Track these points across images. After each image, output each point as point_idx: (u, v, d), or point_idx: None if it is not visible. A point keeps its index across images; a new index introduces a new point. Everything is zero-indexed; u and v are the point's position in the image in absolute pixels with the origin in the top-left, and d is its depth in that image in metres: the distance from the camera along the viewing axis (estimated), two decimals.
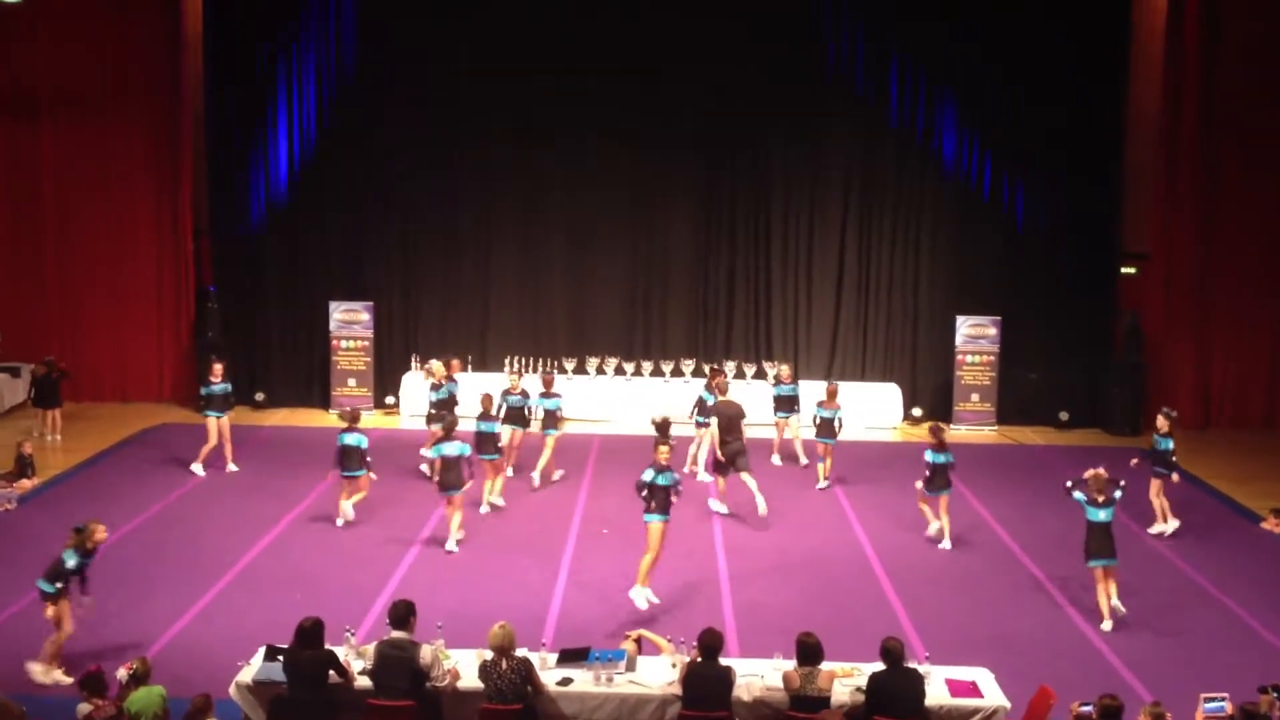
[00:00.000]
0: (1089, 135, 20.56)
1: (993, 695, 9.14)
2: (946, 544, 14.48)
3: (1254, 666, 10.74)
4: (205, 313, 20.88)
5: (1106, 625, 11.98)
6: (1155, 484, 15.07)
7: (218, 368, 16.94)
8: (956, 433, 20.55)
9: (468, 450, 14.27)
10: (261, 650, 9.45)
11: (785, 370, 18.20)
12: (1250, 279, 20.98)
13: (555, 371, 19.42)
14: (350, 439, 14.91)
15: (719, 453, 15.56)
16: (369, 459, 15.07)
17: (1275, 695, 8.68)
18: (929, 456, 14.44)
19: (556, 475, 16.92)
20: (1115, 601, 12.05)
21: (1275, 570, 14.01)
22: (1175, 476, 14.99)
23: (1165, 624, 12.22)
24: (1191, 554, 14.36)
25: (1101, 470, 12.41)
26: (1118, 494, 12.37)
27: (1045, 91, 20.34)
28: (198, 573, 12.99)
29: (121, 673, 8.79)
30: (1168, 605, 12.75)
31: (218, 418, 16.82)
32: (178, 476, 16.70)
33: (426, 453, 15.22)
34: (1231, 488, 17.38)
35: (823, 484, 16.90)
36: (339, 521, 14.80)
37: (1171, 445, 14.99)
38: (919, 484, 14.60)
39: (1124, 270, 21.09)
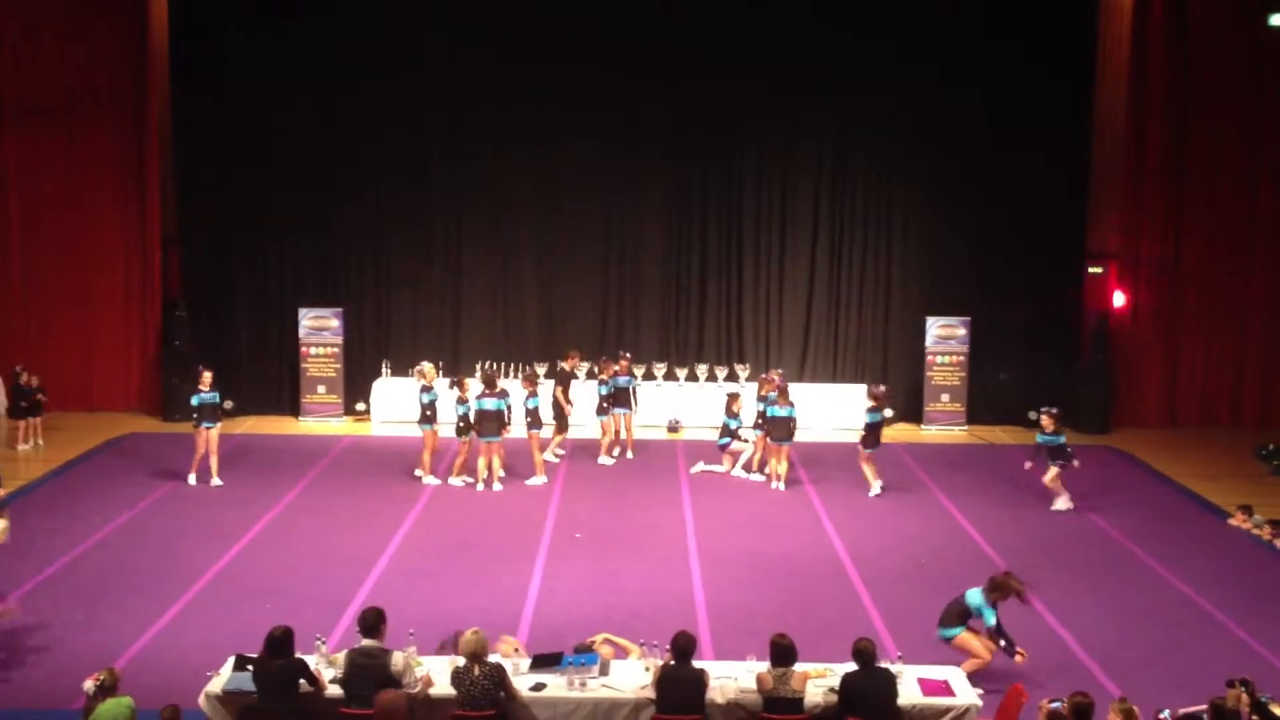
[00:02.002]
0: (1057, 138, 20.69)
1: (964, 694, 9.16)
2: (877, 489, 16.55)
3: (1222, 661, 10.80)
4: (173, 321, 20.72)
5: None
6: (1052, 471, 16.06)
7: (207, 376, 16.61)
8: (928, 433, 20.67)
9: (503, 405, 16.36)
10: (231, 660, 9.37)
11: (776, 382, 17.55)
12: (1216, 278, 21.17)
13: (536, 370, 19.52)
14: (489, 403, 16.27)
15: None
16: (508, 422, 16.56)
17: (1244, 689, 8.73)
18: (867, 417, 16.56)
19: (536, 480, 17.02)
20: None
21: (1242, 566, 14.13)
22: (1076, 463, 16.12)
23: (1134, 621, 12.30)
24: (1160, 551, 14.45)
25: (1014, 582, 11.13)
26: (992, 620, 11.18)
27: (1013, 96, 20.48)
28: (166, 583, 12.88)
29: (89, 684, 8.68)
30: (1136, 602, 12.83)
31: (209, 428, 16.63)
32: (146, 486, 16.57)
33: (461, 410, 16.67)
34: (1199, 485, 17.51)
35: (778, 485, 16.92)
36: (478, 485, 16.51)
37: (1063, 439, 16.05)
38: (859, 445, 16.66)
39: (1091, 270, 21.24)
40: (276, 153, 20.77)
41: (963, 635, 10.63)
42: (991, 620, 10.53)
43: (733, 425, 17.52)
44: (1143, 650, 11.52)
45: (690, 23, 20.50)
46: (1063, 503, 16.09)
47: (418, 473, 17.06)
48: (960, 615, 10.67)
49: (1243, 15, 20.32)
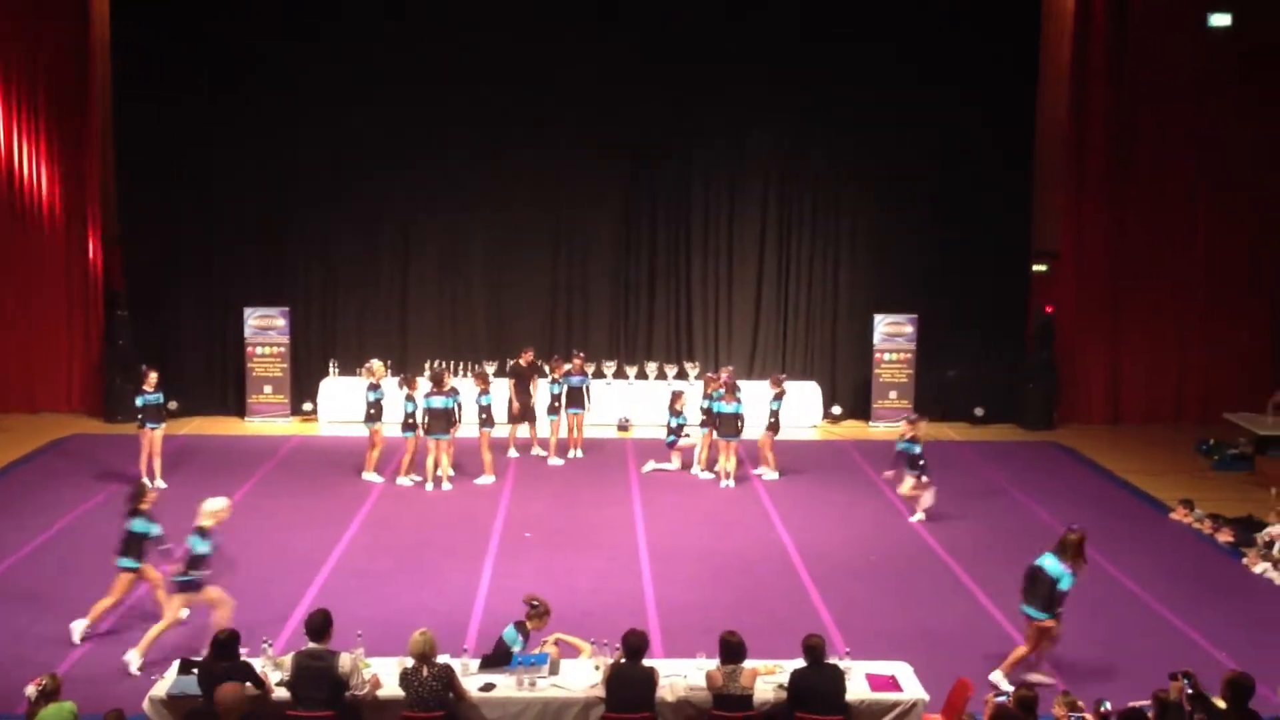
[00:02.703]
0: (1002, 135, 20.93)
1: (912, 689, 9.24)
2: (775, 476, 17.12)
3: (1165, 654, 10.96)
4: (115, 321, 20.44)
5: None
6: (908, 482, 15.47)
7: (152, 376, 16.38)
8: (876, 430, 20.80)
9: (452, 404, 16.36)
10: (176, 664, 9.28)
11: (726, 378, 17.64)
12: (1159, 275, 21.47)
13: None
14: (438, 402, 16.27)
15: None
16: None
17: (1186, 682, 8.86)
18: (773, 404, 17.24)
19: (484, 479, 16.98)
20: None
21: (1184, 560, 14.34)
22: (924, 479, 15.39)
23: (1078, 614, 12.40)
24: (1103, 545, 14.58)
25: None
26: None
27: (958, 93, 20.65)
28: (109, 586, 12.69)
29: (30, 689, 8.55)
30: (1080, 596, 12.94)
31: (153, 429, 16.40)
32: (89, 488, 16.34)
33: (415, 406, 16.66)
34: (1142, 480, 17.75)
35: (727, 483, 16.99)
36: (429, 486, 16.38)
37: (918, 449, 15.37)
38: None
39: (1035, 268, 21.48)
40: (220, 153, 20.56)
41: (1053, 620, 10.50)
42: (1068, 585, 10.48)
43: (675, 423, 17.57)
44: (1087, 643, 11.65)
45: (640, 24, 20.53)
46: (920, 515, 15.51)
47: (366, 474, 16.95)
48: (1052, 595, 10.46)
49: (1182, 16, 20.62)
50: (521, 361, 18.59)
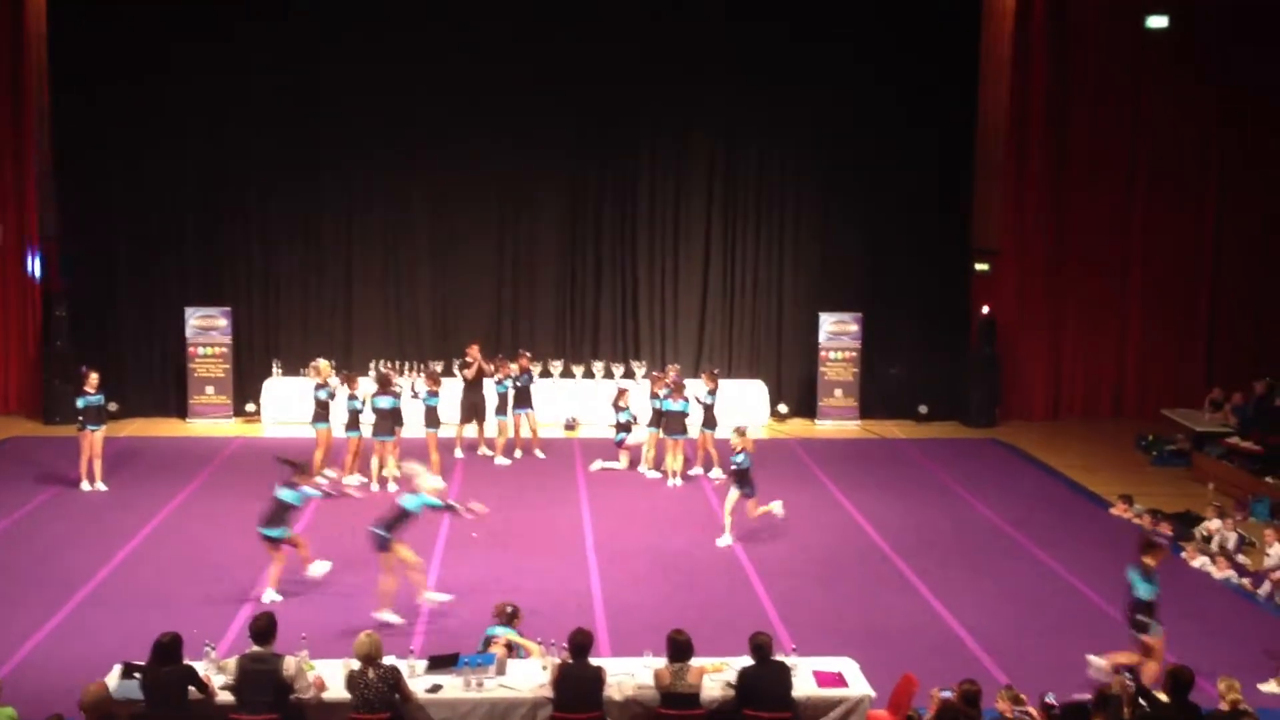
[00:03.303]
0: (943, 135, 21.13)
1: (857, 685, 9.29)
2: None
3: (1106, 647, 11.08)
4: (53, 321, 20.11)
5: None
6: (733, 496, 14.44)
7: (93, 377, 16.13)
8: (822, 427, 20.94)
9: (398, 404, 16.38)
10: (117, 668, 9.14)
11: (673, 376, 17.67)
12: (1098, 273, 21.77)
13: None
14: (384, 402, 16.28)
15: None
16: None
17: (1128, 676, 8.99)
18: (708, 399, 17.04)
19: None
20: None
21: (1124, 555, 14.45)
22: (749, 491, 14.40)
23: (1021, 610, 12.58)
24: (1044, 540, 14.80)
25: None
26: None
27: (899, 92, 20.84)
28: (50, 590, 12.52)
29: None
30: (1023, 591, 13.14)
31: (94, 431, 16.14)
32: (26, 491, 16.07)
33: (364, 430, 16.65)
34: (1081, 476, 17.99)
35: (674, 482, 17.02)
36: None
37: (743, 460, 14.28)
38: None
39: (977, 267, 21.70)
40: (160, 150, 20.29)
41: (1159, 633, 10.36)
42: (1147, 595, 10.33)
43: (621, 419, 17.59)
44: (1029, 638, 11.79)
45: (588, 19, 20.51)
46: (726, 539, 14.43)
47: (327, 473, 16.76)
48: (1136, 606, 10.33)
49: (1120, 16, 20.91)
50: (468, 359, 18.45)
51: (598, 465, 17.72)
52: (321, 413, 16.75)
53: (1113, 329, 22.00)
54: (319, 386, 16.79)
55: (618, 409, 17.71)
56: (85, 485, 16.17)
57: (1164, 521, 15.33)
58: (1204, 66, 21.20)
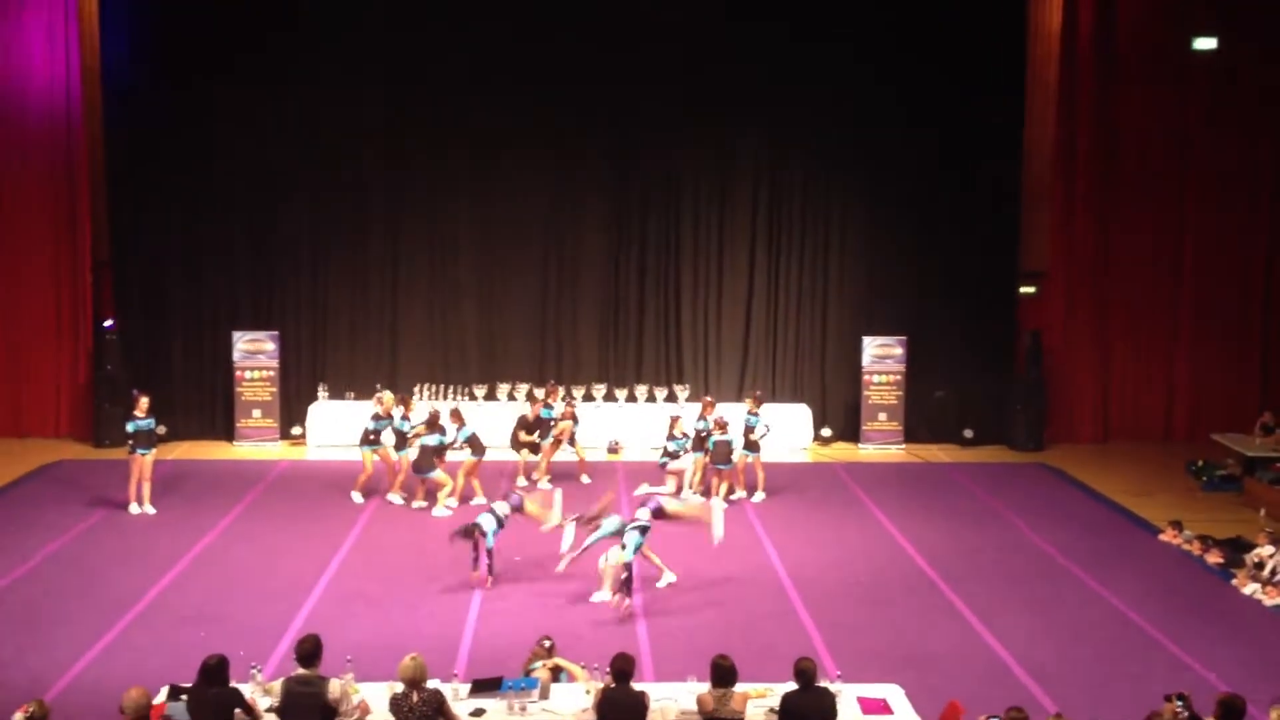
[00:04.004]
0: (989, 157, 21.01)
1: (903, 712, 9.22)
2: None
3: (1157, 676, 10.97)
4: (104, 345, 20.39)
5: None
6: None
7: (144, 401, 16.30)
8: (865, 452, 20.82)
9: (444, 439, 16.60)
10: (165, 690, 9.22)
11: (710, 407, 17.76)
12: (1146, 295, 21.55)
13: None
14: (431, 440, 16.49)
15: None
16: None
17: (1179, 704, 8.86)
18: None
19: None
20: None
21: (1174, 581, 14.34)
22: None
23: (1069, 636, 12.44)
24: (1092, 566, 14.64)
25: None
26: None
27: (945, 114, 20.76)
28: (98, 611, 12.66)
29: (18, 716, 8.49)
30: (1071, 618, 12.99)
31: (144, 454, 16.28)
32: (76, 513, 16.26)
33: (410, 450, 16.90)
34: (1131, 501, 17.77)
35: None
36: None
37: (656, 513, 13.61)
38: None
39: (1024, 290, 21.55)
40: (211, 175, 20.51)
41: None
42: None
43: (673, 448, 17.56)
44: (1078, 666, 11.65)
45: (631, 42, 20.57)
46: (605, 595, 13.14)
47: (392, 496, 17.01)
48: None
49: (1168, 37, 20.75)
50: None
51: (643, 489, 17.69)
52: (373, 438, 16.93)
53: (1162, 352, 21.77)
54: (376, 417, 16.97)
55: (671, 436, 17.66)
56: (134, 508, 16.34)
57: (1214, 548, 15.13)
58: (1253, 84, 20.97)
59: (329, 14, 20.38)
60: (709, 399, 18.15)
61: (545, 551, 14.75)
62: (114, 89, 20.35)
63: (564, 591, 13.45)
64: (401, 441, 16.98)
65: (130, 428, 16.24)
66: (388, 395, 17.45)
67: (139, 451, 16.23)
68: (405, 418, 16.98)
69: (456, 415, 17.26)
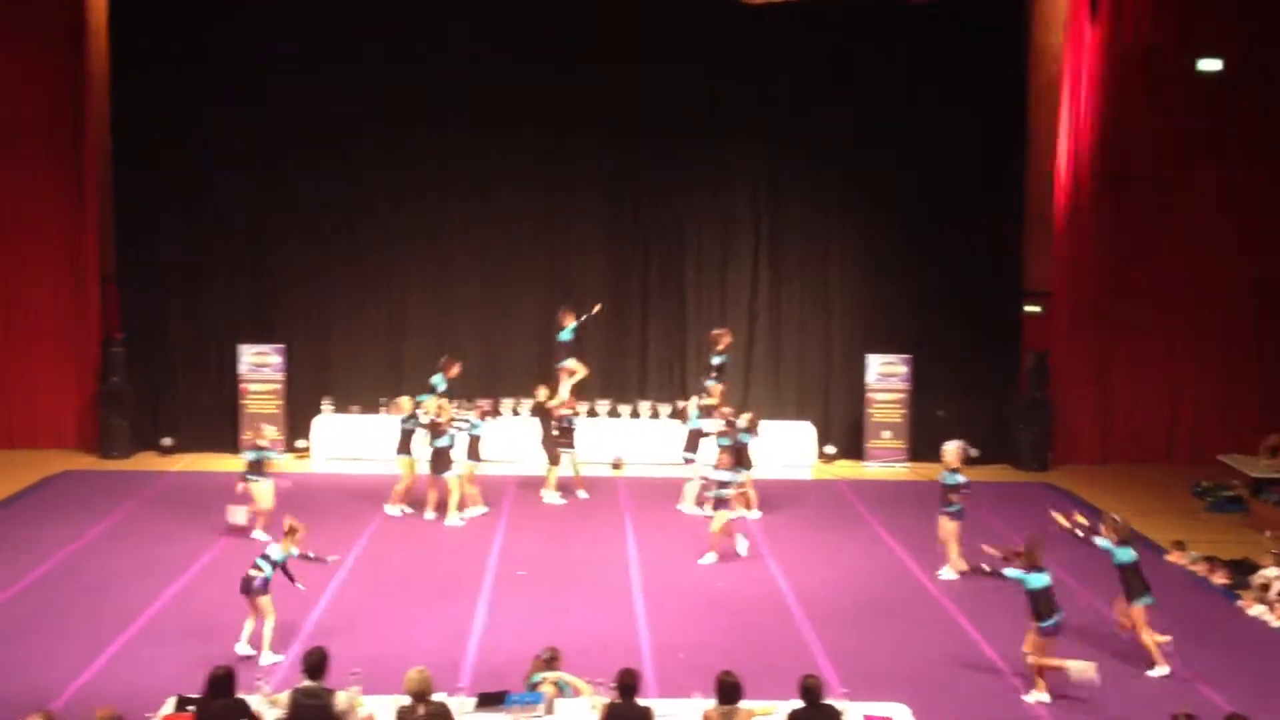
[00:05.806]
0: (993, 176, 21.07)
1: None
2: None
3: (1165, 696, 10.96)
4: (110, 357, 20.43)
5: (1161, 670, 12.02)
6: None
7: (267, 430, 16.68)
8: (869, 470, 20.81)
9: (452, 440, 16.63)
10: (171, 701, 9.24)
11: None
12: (1151, 316, 21.52)
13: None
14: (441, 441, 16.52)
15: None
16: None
17: None
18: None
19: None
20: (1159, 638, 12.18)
21: (1180, 601, 14.31)
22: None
23: (1075, 655, 12.40)
24: (1098, 587, 14.61)
25: (1116, 516, 12.53)
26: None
27: (949, 134, 20.82)
28: (104, 622, 12.67)
29: None
30: (1078, 639, 12.97)
31: (253, 482, 16.03)
32: (81, 525, 16.27)
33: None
34: (1135, 521, 17.57)
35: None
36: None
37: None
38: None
39: (1028, 309, 21.56)
40: (216, 189, 20.60)
41: None
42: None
43: (721, 478, 15.92)
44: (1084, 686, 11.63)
45: (633, 62, 20.66)
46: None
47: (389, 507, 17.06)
48: None
49: (1171, 58, 20.78)
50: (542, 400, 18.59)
51: (689, 507, 17.64)
52: (405, 444, 17.09)
53: (1166, 373, 21.73)
54: (406, 418, 17.08)
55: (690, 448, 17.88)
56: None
57: (1221, 569, 15.12)
58: (1256, 104, 21.01)
59: (332, 34, 20.44)
60: (722, 330, 18.73)
61: (550, 565, 14.80)
62: (122, 104, 20.44)
63: (566, 605, 13.45)
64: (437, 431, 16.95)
65: (251, 456, 16.07)
66: (404, 399, 17.59)
67: (249, 479, 15.98)
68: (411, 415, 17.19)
69: (481, 410, 17.58)
